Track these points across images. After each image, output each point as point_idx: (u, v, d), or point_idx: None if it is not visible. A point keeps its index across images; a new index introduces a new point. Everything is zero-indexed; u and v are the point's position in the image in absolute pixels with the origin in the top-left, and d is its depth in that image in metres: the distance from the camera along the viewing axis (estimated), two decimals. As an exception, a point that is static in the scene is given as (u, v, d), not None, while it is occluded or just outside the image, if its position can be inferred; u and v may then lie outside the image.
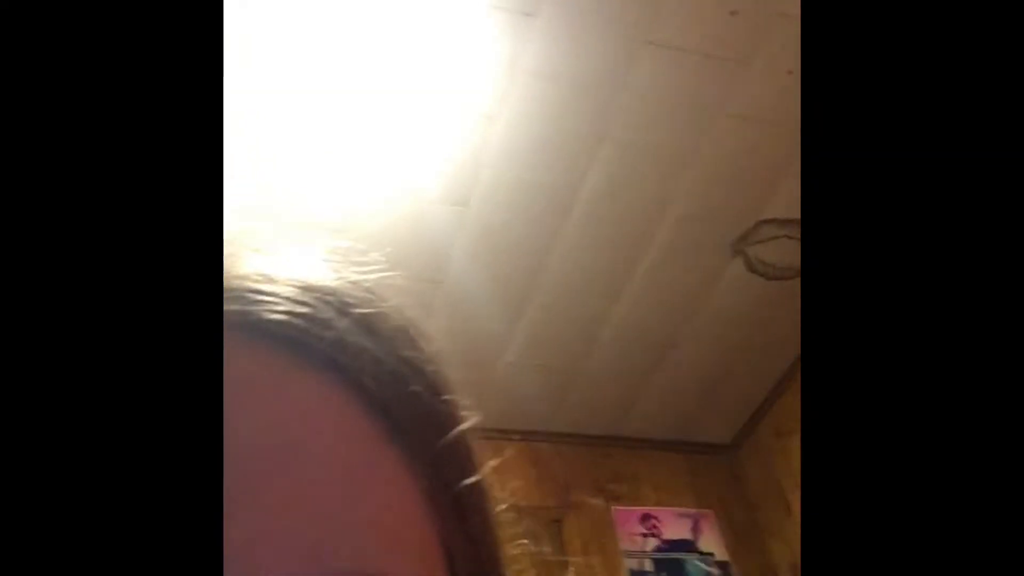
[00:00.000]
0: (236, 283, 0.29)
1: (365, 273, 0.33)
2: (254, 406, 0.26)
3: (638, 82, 1.83)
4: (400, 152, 1.84)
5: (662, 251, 2.16)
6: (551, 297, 2.20)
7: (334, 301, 0.29)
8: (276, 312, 0.28)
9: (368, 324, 0.29)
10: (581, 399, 2.48)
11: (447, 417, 0.30)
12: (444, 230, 2.00)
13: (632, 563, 2.41)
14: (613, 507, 2.47)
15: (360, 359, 0.28)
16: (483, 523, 0.31)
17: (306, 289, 0.29)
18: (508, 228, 2.03)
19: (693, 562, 2.46)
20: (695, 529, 2.52)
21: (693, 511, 2.55)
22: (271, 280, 0.29)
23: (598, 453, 2.57)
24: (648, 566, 2.42)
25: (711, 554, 2.48)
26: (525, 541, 0.35)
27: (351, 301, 0.30)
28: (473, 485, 0.31)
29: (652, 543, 2.46)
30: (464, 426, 0.30)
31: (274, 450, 0.25)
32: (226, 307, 0.27)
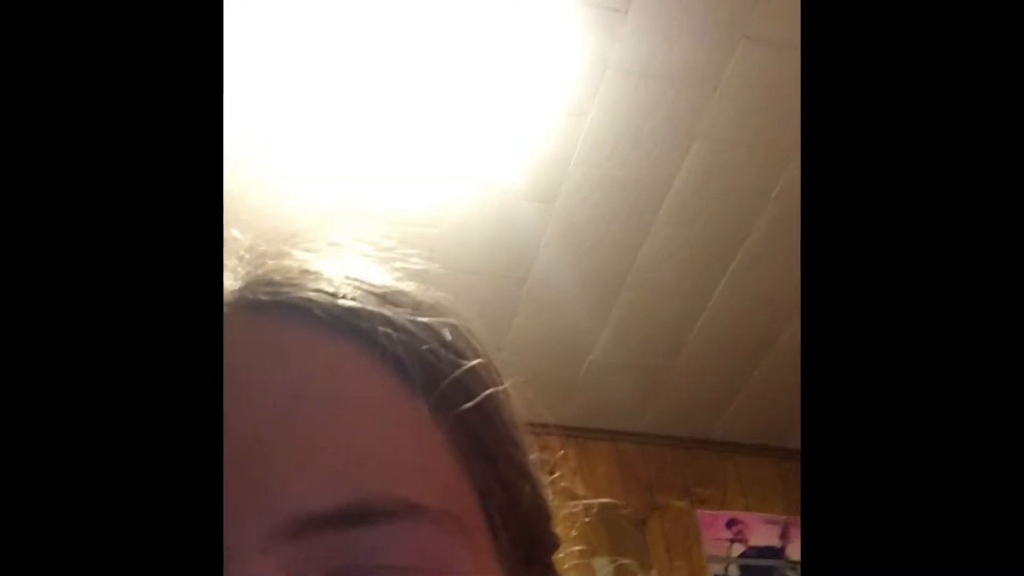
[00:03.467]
0: (278, 275, 0.34)
1: (398, 263, 0.37)
2: (283, 367, 0.30)
3: (733, 77, 1.77)
4: (488, 147, 1.83)
5: (755, 250, 2.10)
6: (639, 296, 2.16)
7: (359, 283, 0.34)
8: (305, 292, 0.33)
9: (387, 297, 0.34)
10: (669, 400, 2.44)
11: (464, 371, 0.33)
12: (530, 227, 1.98)
13: (717, 568, 2.36)
14: (699, 511, 2.43)
15: (375, 323, 0.32)
16: (516, 471, 0.34)
17: (334, 275, 0.34)
18: (595, 226, 2.00)
19: (781, 570, 2.39)
20: (784, 536, 2.45)
21: (782, 518, 2.48)
22: (305, 270, 0.34)
23: (685, 455, 2.52)
24: (733, 572, 2.37)
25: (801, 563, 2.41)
26: (577, 505, 0.39)
27: (373, 282, 0.34)
28: (497, 435, 0.34)
29: (738, 549, 2.40)
30: (467, 365, 0.33)
31: (302, 400, 0.29)
32: (264, 291, 0.33)
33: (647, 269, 2.11)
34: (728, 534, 2.42)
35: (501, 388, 0.34)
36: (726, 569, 2.36)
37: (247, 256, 0.36)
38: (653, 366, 2.35)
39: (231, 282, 0.35)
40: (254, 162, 1.79)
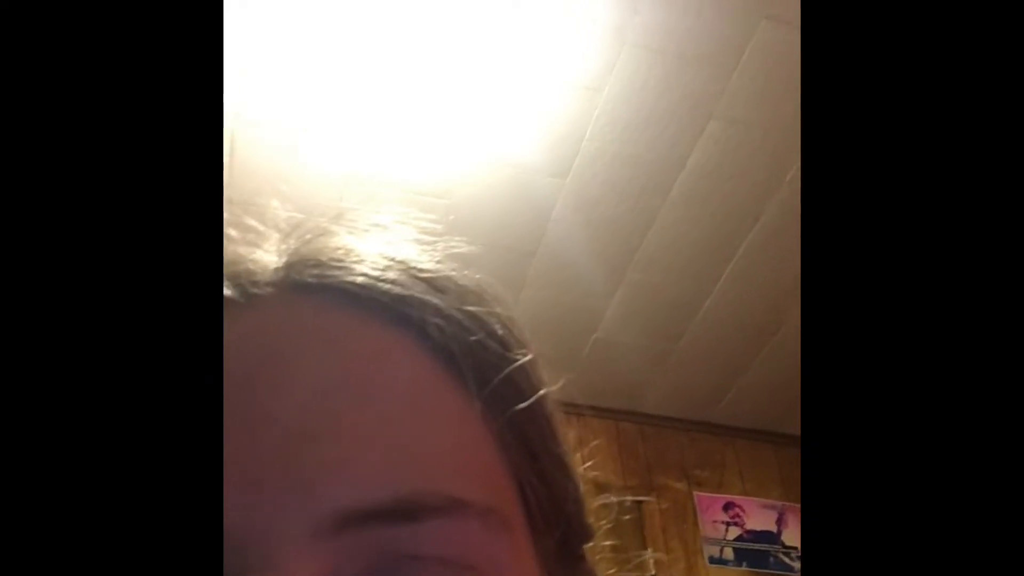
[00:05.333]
0: (324, 256, 0.33)
1: (440, 246, 0.36)
2: (330, 354, 0.29)
3: (752, 58, 1.74)
4: (502, 120, 1.81)
5: (765, 234, 2.08)
6: (646, 275, 2.15)
7: (404, 266, 0.33)
8: (353, 276, 0.32)
9: (434, 283, 0.33)
10: (671, 381, 2.43)
11: (510, 363, 0.32)
12: (541, 201, 1.97)
13: (712, 550, 2.36)
14: (696, 493, 2.43)
15: (424, 310, 0.31)
16: (556, 465, 0.33)
17: (380, 258, 0.33)
18: (606, 203, 1.99)
19: (776, 555, 2.40)
20: (780, 522, 2.45)
21: (779, 503, 2.48)
22: (350, 252, 0.33)
23: (684, 437, 2.52)
24: (728, 555, 2.37)
25: (795, 548, 2.41)
26: (610, 497, 0.38)
27: (420, 266, 0.33)
28: (540, 429, 0.33)
29: (734, 532, 2.41)
30: (519, 362, 0.32)
31: (349, 389, 0.28)
32: (311, 272, 0.32)
33: (656, 248, 2.09)
34: (725, 517, 2.42)
35: (554, 388, 0.34)
36: (721, 552, 2.36)
37: (291, 233, 0.35)
38: (657, 347, 2.34)
39: (273, 257, 0.34)
40: (275, 129, 1.77)
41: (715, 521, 2.41)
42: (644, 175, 1.94)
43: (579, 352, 2.29)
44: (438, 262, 0.35)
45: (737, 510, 2.44)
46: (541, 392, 0.32)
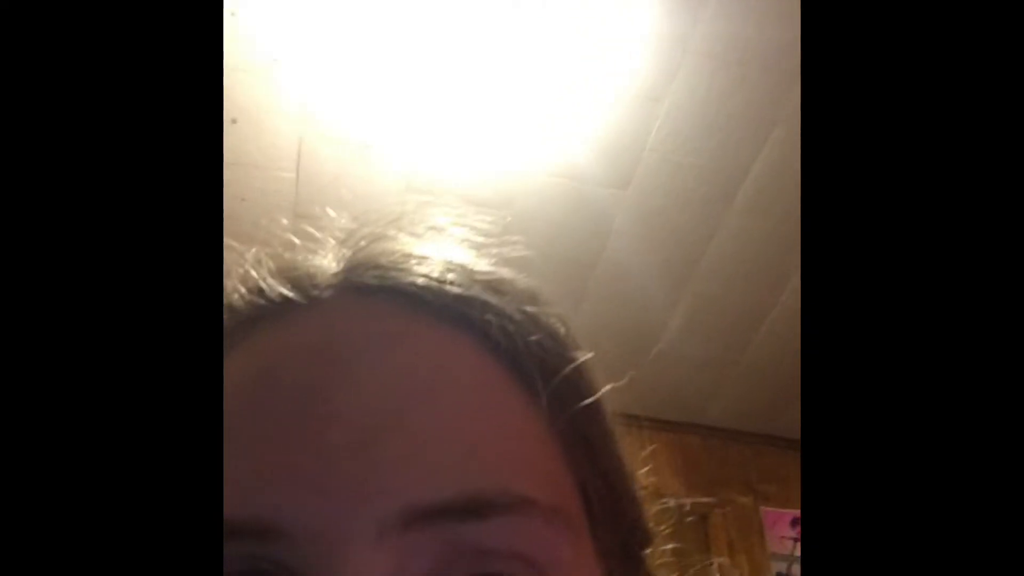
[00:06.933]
0: (383, 259, 0.33)
1: (497, 249, 0.36)
2: (393, 354, 0.29)
3: (817, 64, 1.71)
4: (562, 131, 1.81)
5: (833, 244, 2.03)
6: (710, 286, 2.12)
7: (464, 269, 0.34)
8: (413, 277, 0.32)
9: (493, 285, 0.33)
10: (736, 393, 2.39)
11: (568, 363, 0.33)
12: (602, 212, 1.95)
13: (780, 567, 2.31)
14: (762, 507, 2.38)
15: (485, 312, 0.32)
16: (614, 463, 0.34)
17: (439, 260, 0.34)
18: (668, 213, 1.97)
19: (846, 572, 2.34)
20: (850, 538, 2.39)
21: (849, 519, 2.42)
22: (409, 255, 0.34)
23: (750, 451, 2.48)
24: (796, 572, 2.32)
25: (866, 566, 2.35)
26: (668, 501, 0.39)
27: (479, 268, 0.34)
28: (600, 429, 0.33)
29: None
30: (578, 361, 0.33)
31: (413, 388, 0.29)
32: (371, 274, 0.32)
33: (719, 259, 2.06)
34: (792, 533, 2.37)
35: (619, 384, 0.34)
36: (789, 568, 2.31)
37: (349, 240, 0.35)
38: (721, 359, 2.31)
39: (330, 263, 0.34)
40: (338, 142, 1.79)
41: (782, 537, 2.36)
42: (706, 185, 1.91)
43: (641, 365, 2.27)
44: (495, 264, 0.35)
45: (805, 526, 2.39)
46: (604, 390, 0.33)
